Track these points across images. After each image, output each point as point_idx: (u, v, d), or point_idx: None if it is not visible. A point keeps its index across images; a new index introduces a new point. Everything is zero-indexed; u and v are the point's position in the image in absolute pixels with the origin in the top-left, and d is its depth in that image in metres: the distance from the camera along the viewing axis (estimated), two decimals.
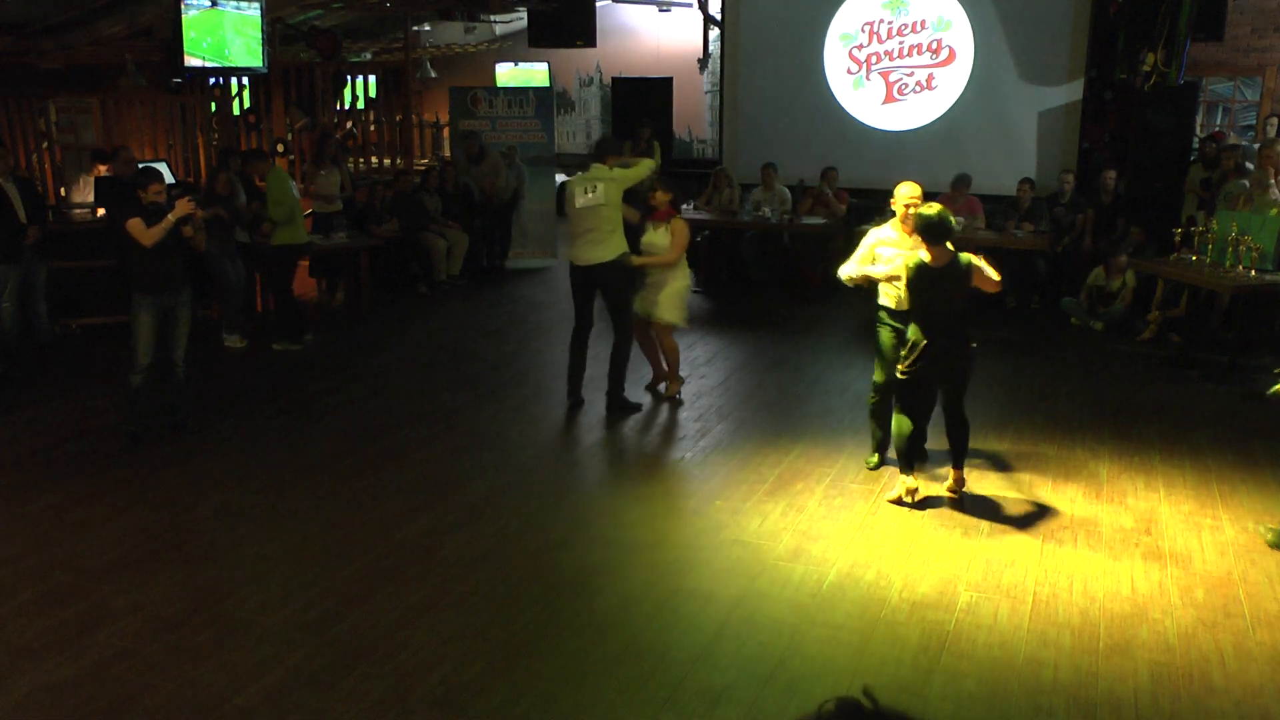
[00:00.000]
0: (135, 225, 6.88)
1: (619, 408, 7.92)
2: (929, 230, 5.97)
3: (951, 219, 6.13)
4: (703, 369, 9.05)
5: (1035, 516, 6.12)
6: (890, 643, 4.76)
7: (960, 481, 6.29)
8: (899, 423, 6.28)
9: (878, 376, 6.71)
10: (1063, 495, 6.42)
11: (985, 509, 6.20)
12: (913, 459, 6.30)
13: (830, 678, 4.47)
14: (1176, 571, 5.44)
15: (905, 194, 6.44)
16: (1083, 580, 5.34)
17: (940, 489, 6.36)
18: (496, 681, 4.41)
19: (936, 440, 6.68)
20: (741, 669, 4.55)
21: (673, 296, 7.95)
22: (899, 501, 6.25)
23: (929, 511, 6.15)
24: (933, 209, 6.01)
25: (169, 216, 6.88)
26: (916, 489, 6.24)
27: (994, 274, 6.08)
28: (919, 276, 6.04)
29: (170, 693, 4.31)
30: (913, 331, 6.13)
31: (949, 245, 6.03)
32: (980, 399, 8.22)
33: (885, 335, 6.59)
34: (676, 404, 8.13)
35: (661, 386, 8.36)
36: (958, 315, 6.10)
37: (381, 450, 7.11)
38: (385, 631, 4.79)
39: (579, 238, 7.80)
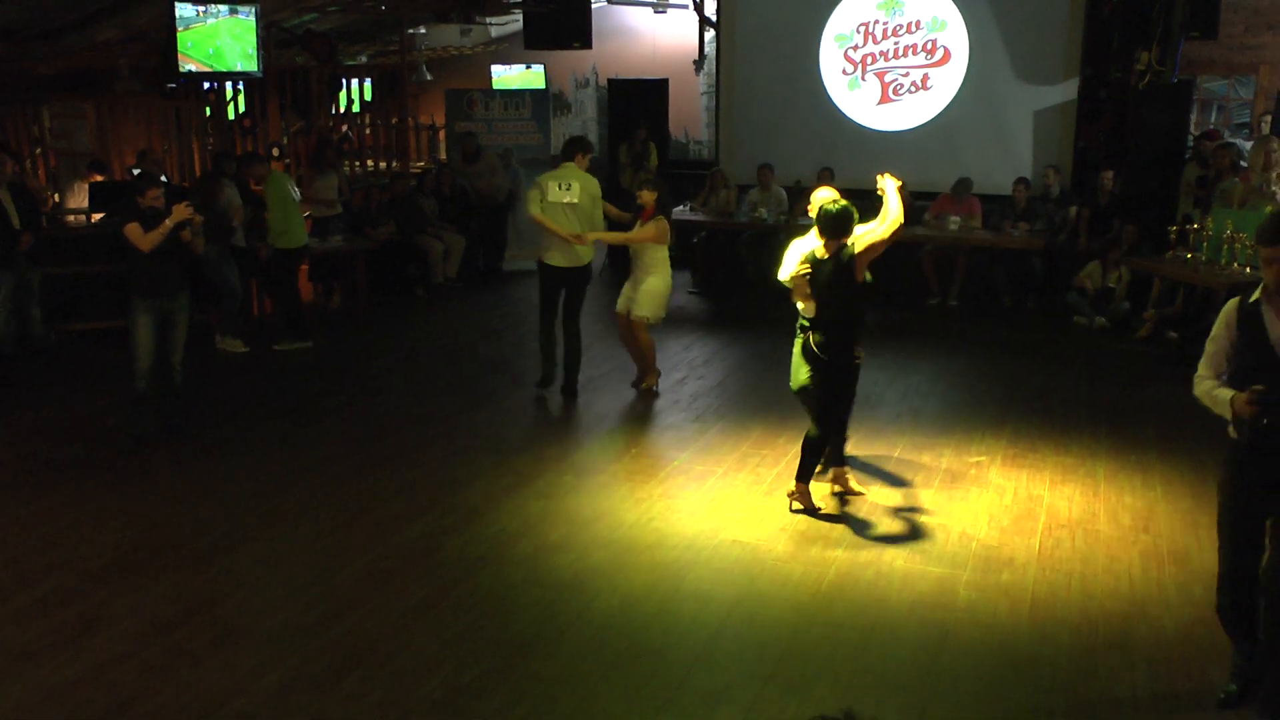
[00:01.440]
0: (133, 230, 6.89)
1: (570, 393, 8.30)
2: (836, 225, 5.90)
3: (855, 214, 6.00)
4: (700, 369, 9.05)
5: (1033, 515, 6.12)
6: (889, 642, 4.77)
7: (801, 495, 6.22)
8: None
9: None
10: (1060, 494, 6.42)
11: (983, 508, 6.21)
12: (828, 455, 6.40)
13: (830, 678, 4.47)
14: (1174, 569, 5.45)
15: (824, 200, 6.11)
16: (1081, 579, 5.34)
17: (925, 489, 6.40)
18: (496, 683, 4.41)
19: (879, 446, 6.71)
20: (741, 669, 4.56)
21: (650, 293, 8.06)
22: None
23: (925, 512, 6.16)
24: (841, 203, 5.94)
25: (166, 221, 6.89)
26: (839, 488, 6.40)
27: (880, 233, 5.94)
28: (814, 270, 6.01)
29: (169, 695, 4.31)
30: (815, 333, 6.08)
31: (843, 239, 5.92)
32: (978, 397, 8.26)
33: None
34: (653, 396, 8.26)
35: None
36: (843, 313, 6.03)
37: (380, 453, 7.11)
38: (385, 634, 4.79)
39: (552, 237, 8.10)
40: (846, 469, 6.48)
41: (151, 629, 4.81)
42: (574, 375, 8.32)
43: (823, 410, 6.14)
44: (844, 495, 6.36)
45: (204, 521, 6.01)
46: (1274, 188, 9.29)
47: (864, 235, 5.95)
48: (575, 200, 7.94)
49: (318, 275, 11.68)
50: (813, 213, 6.19)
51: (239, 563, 5.53)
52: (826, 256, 5.93)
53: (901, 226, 5.92)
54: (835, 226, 5.89)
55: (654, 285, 8.05)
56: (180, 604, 5.05)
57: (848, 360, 6.06)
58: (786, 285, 6.38)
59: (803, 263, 6.08)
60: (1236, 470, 4.16)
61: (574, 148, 8.24)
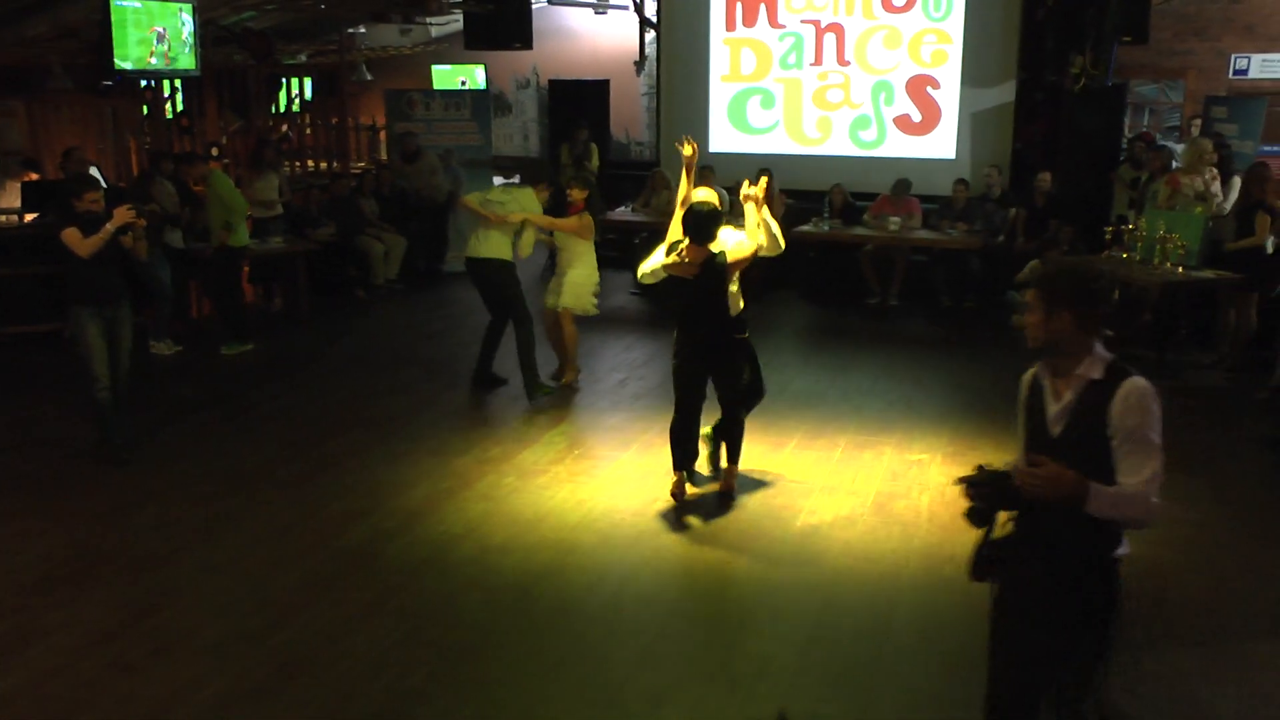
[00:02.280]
0: (71, 235, 6.56)
1: (531, 388, 8.27)
2: (698, 226, 5.97)
3: (721, 219, 6.11)
4: (641, 370, 9.07)
5: None
6: (832, 639, 4.81)
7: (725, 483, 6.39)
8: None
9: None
10: None
11: (924, 505, 6.28)
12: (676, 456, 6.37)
13: (772, 676, 4.50)
14: None
15: (694, 200, 6.17)
16: None
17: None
18: (440, 688, 4.40)
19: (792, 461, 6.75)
20: (684, 669, 4.58)
21: (573, 284, 8.24)
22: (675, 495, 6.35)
23: (867, 509, 6.22)
24: (708, 204, 6.02)
25: (107, 226, 6.57)
26: (679, 491, 6.34)
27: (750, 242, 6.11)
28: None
29: (106, 708, 4.24)
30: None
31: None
32: (918, 396, 8.36)
33: None
34: (574, 390, 8.41)
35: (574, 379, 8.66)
36: (719, 309, 6.14)
37: (320, 457, 7.05)
38: (326, 640, 4.76)
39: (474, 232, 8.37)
40: (684, 475, 6.43)
41: (88, 641, 4.73)
42: (483, 362, 8.51)
43: (731, 399, 6.28)
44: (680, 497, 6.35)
45: (141, 530, 5.92)
46: (1206, 189, 9.51)
47: (736, 248, 6.08)
48: (503, 200, 8.21)
49: (258, 277, 11.54)
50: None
51: (177, 572, 5.46)
52: (691, 258, 5.99)
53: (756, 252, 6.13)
54: (697, 228, 5.95)
55: (576, 277, 8.25)
56: (117, 615, 4.97)
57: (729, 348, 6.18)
58: (647, 282, 6.47)
59: (669, 258, 6.09)
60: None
61: (539, 176, 8.54)
